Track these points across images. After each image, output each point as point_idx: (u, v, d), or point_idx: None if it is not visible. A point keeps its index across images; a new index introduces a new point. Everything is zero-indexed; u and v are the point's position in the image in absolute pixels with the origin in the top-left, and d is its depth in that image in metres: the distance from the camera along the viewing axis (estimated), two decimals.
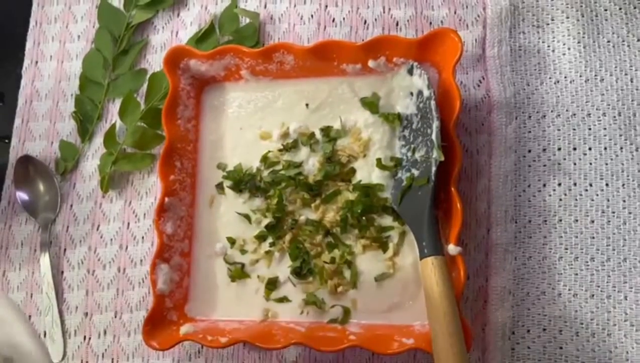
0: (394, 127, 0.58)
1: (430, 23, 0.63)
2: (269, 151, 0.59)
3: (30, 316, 0.63)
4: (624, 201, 0.56)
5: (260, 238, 0.58)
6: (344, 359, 0.57)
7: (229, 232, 0.59)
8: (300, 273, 0.56)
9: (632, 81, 0.58)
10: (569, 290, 0.55)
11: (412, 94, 0.56)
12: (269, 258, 0.58)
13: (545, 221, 0.56)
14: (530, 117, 0.59)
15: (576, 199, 0.56)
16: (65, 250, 0.65)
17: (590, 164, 0.57)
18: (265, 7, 0.67)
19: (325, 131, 0.59)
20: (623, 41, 0.59)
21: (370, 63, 0.57)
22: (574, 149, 0.57)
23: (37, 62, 0.71)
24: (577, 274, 0.55)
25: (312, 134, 0.59)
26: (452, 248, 0.51)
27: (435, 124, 0.52)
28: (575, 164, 0.57)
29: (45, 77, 0.70)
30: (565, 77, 0.59)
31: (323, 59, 0.57)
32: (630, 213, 0.55)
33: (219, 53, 0.59)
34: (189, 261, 0.59)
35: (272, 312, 0.56)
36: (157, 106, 0.64)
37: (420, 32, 0.63)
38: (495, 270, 0.56)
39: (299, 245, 0.57)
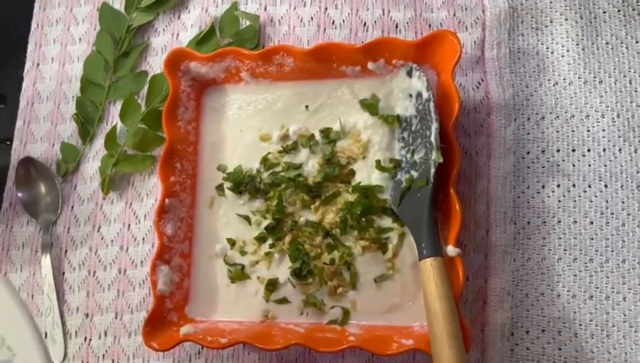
0: (394, 129, 0.58)
1: (430, 25, 0.63)
2: (269, 153, 0.60)
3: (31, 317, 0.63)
4: (623, 202, 0.56)
5: (260, 239, 0.58)
6: (343, 360, 0.57)
7: (229, 233, 0.59)
8: (300, 274, 0.56)
9: (630, 83, 0.58)
10: (568, 291, 0.55)
11: (411, 96, 0.57)
12: (269, 259, 0.58)
13: (544, 222, 0.57)
14: (529, 119, 0.59)
15: (575, 201, 0.57)
16: (66, 251, 0.65)
17: (589, 165, 0.57)
18: (265, 9, 0.67)
19: (325, 132, 0.59)
20: (621, 43, 0.59)
21: (370, 65, 0.57)
22: (573, 150, 0.58)
23: (38, 64, 0.71)
24: (576, 275, 0.55)
25: (312, 136, 0.59)
26: (451, 250, 0.51)
27: (435, 126, 0.52)
28: (574, 165, 0.57)
29: (47, 79, 0.70)
30: (564, 79, 0.59)
31: (323, 61, 0.58)
32: (629, 214, 0.56)
33: (219, 55, 0.59)
34: (189, 262, 0.59)
35: (272, 313, 0.56)
36: (157, 108, 0.65)
37: (420, 35, 0.63)
38: (495, 271, 0.56)
39: (298, 246, 0.57)
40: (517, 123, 0.59)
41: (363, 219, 0.56)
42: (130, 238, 0.64)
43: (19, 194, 0.66)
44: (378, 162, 0.57)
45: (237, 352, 0.59)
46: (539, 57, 0.61)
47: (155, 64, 0.68)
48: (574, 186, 0.57)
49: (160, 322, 0.56)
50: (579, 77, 0.59)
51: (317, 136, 0.59)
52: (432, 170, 0.52)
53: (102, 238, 0.64)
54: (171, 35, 0.69)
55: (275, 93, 0.61)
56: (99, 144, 0.67)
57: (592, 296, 0.54)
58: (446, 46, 0.54)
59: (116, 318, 0.62)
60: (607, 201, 0.56)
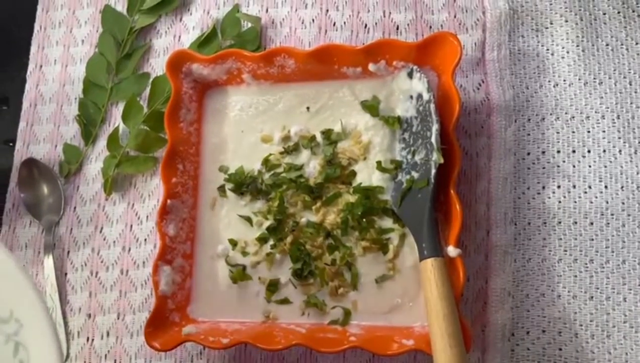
0: (394, 130, 0.58)
1: (430, 27, 0.64)
2: (270, 154, 0.60)
3: None
4: (623, 203, 0.56)
5: (262, 240, 0.58)
6: (344, 360, 0.58)
7: (230, 234, 0.59)
8: (301, 274, 0.57)
9: (630, 84, 0.58)
10: (569, 291, 0.55)
11: (412, 97, 0.57)
12: (270, 260, 0.58)
13: (545, 223, 0.57)
14: (529, 120, 0.59)
15: (575, 202, 0.57)
16: (68, 252, 0.65)
17: (589, 166, 0.57)
18: (266, 11, 0.67)
19: (326, 133, 0.59)
20: (622, 44, 0.60)
21: (371, 67, 0.58)
22: (573, 151, 0.58)
23: (41, 66, 0.71)
24: (576, 276, 0.55)
25: (313, 137, 0.59)
26: (451, 250, 0.51)
27: (435, 127, 0.52)
28: (574, 166, 0.57)
29: (50, 81, 0.70)
30: (564, 80, 0.60)
31: (324, 62, 0.58)
32: (629, 215, 0.56)
33: (221, 57, 0.60)
34: (191, 263, 0.59)
35: (273, 314, 0.57)
36: (159, 110, 0.65)
37: (421, 36, 0.63)
38: (495, 272, 0.56)
39: (300, 247, 0.57)
40: (518, 124, 0.59)
41: (364, 220, 0.56)
42: (132, 238, 0.64)
43: (22, 196, 0.67)
44: (379, 163, 0.57)
45: (239, 353, 0.59)
46: (539, 59, 0.61)
47: (157, 65, 0.68)
48: (574, 187, 0.57)
49: (162, 322, 0.56)
50: (579, 79, 0.59)
51: (318, 137, 0.59)
52: (433, 171, 0.52)
53: (104, 239, 0.65)
54: (173, 37, 0.69)
55: (276, 95, 0.61)
56: (102, 146, 0.67)
57: (592, 297, 0.55)
58: (447, 47, 0.55)
59: (118, 318, 0.62)
60: (607, 202, 0.56)
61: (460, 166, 0.53)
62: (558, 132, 0.58)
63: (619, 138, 0.57)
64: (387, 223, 0.56)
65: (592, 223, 0.56)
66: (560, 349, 0.54)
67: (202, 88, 0.62)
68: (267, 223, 0.58)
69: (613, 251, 0.55)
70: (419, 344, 0.51)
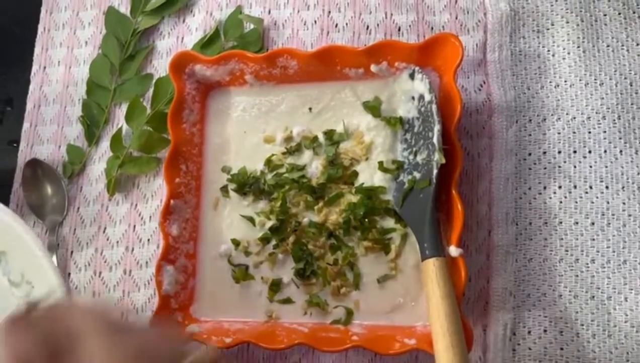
0: (396, 131, 0.58)
1: (432, 28, 0.64)
2: (273, 155, 0.60)
3: None
4: (624, 203, 0.56)
5: (264, 240, 0.59)
6: (346, 360, 0.58)
7: (233, 234, 0.60)
8: (303, 274, 0.57)
9: (631, 85, 0.59)
10: (570, 291, 0.55)
11: (413, 98, 0.57)
12: (273, 260, 0.58)
13: (546, 223, 0.57)
14: (530, 120, 0.60)
15: (576, 202, 0.57)
16: (72, 252, 0.65)
17: (590, 167, 0.57)
18: (269, 13, 0.68)
19: (328, 134, 0.59)
20: (622, 45, 0.60)
21: (373, 68, 0.58)
22: (574, 152, 0.58)
23: (45, 67, 0.72)
24: (577, 276, 0.55)
25: (315, 138, 0.60)
26: (453, 250, 0.51)
27: (437, 128, 0.52)
28: (575, 167, 0.58)
29: (53, 82, 0.71)
30: (565, 81, 0.60)
31: (326, 63, 0.58)
32: (630, 215, 0.56)
33: (223, 58, 0.60)
34: (194, 262, 0.60)
35: (276, 313, 0.57)
36: (162, 110, 0.65)
37: (422, 37, 0.64)
38: (496, 272, 0.56)
39: (302, 247, 0.57)
40: (519, 125, 0.59)
41: (366, 220, 0.57)
42: (135, 239, 0.64)
43: (26, 196, 0.67)
44: (381, 163, 0.57)
45: (242, 352, 0.59)
46: (540, 60, 0.61)
47: (160, 67, 0.69)
48: (575, 187, 0.57)
49: (166, 321, 0.56)
50: (580, 80, 0.59)
51: (321, 138, 0.60)
52: (435, 171, 0.52)
53: (107, 239, 0.65)
54: (176, 39, 0.69)
55: (279, 95, 0.61)
56: (105, 146, 0.67)
57: (593, 297, 0.55)
58: (448, 48, 0.55)
59: (122, 318, 0.62)
60: (608, 203, 0.56)
61: (462, 167, 0.53)
62: (559, 133, 0.59)
63: (620, 138, 0.58)
64: (389, 223, 0.57)
65: (593, 223, 0.56)
66: (562, 349, 0.54)
67: (205, 89, 0.63)
68: (269, 223, 0.59)
69: (614, 251, 0.55)
70: (420, 343, 0.51)
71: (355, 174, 0.58)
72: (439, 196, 0.54)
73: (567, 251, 0.56)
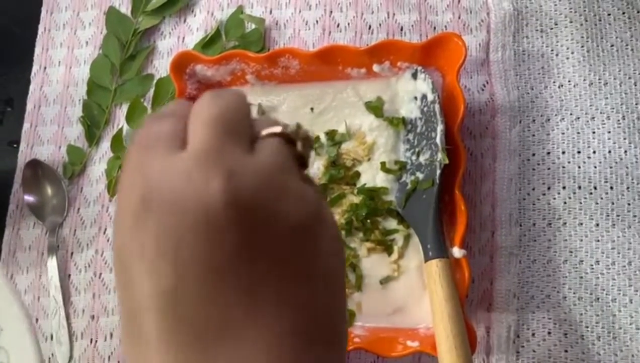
0: (399, 131, 0.58)
1: (435, 28, 0.64)
2: None
3: (37, 319, 0.63)
4: (629, 204, 0.56)
5: None
6: (348, 362, 0.57)
7: None
8: None
9: (635, 85, 0.58)
10: (574, 293, 0.55)
11: (416, 98, 0.57)
12: None
13: (550, 224, 0.57)
14: (534, 120, 0.59)
15: (580, 203, 0.56)
16: (72, 253, 0.65)
17: (595, 167, 0.57)
18: (270, 12, 0.67)
19: (330, 134, 0.59)
20: (626, 45, 0.59)
21: (375, 67, 0.58)
22: (578, 152, 0.58)
23: (45, 67, 0.71)
24: (581, 277, 0.55)
25: (317, 138, 0.59)
26: (456, 251, 0.51)
27: (440, 128, 0.52)
28: (579, 167, 0.57)
29: (54, 82, 0.71)
30: (569, 81, 0.59)
31: (328, 63, 0.58)
32: (635, 216, 0.55)
33: (224, 58, 0.60)
34: None
35: None
36: None
37: (425, 37, 0.63)
38: (500, 273, 0.56)
39: None
40: (522, 125, 0.59)
41: (368, 221, 0.56)
42: None
43: (26, 197, 0.67)
44: (383, 164, 0.57)
45: None
46: (543, 60, 0.61)
47: (161, 67, 0.68)
48: (579, 188, 0.57)
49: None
50: (584, 79, 0.59)
51: (322, 138, 0.59)
52: (438, 171, 0.52)
53: (108, 240, 0.65)
54: (177, 39, 0.69)
55: (280, 95, 0.61)
56: (105, 147, 0.67)
57: (598, 299, 0.54)
58: (451, 48, 0.55)
59: None
60: (613, 203, 0.56)
61: (465, 167, 0.53)
62: (563, 133, 0.58)
63: (625, 138, 0.57)
64: (392, 224, 0.56)
65: (597, 224, 0.56)
66: (566, 351, 0.54)
67: (205, 89, 0.62)
68: None
69: (619, 253, 0.55)
70: (423, 346, 0.50)
71: (358, 174, 0.58)
72: (442, 197, 0.53)
73: (571, 252, 0.56)
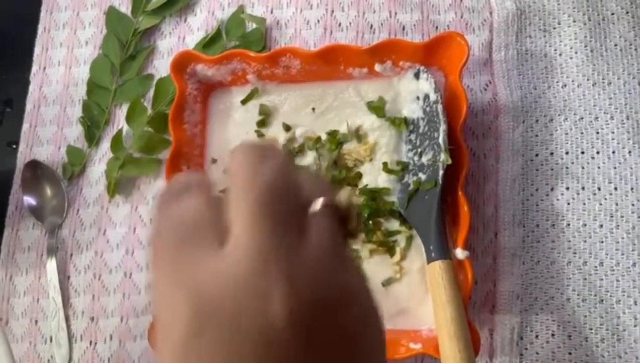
0: (401, 132, 0.58)
1: (437, 27, 0.63)
2: None
3: (36, 321, 0.63)
4: (633, 204, 0.55)
5: None
6: None
7: None
8: None
9: (639, 85, 0.58)
10: (578, 294, 0.54)
11: (418, 98, 0.56)
12: None
13: (554, 225, 0.56)
14: (537, 121, 0.59)
15: (584, 203, 0.56)
16: (71, 254, 0.65)
17: (598, 167, 0.57)
18: (271, 12, 0.67)
19: (332, 135, 0.58)
20: (630, 45, 0.59)
21: (377, 67, 0.57)
22: (582, 152, 0.57)
23: (45, 67, 0.71)
24: (585, 279, 0.55)
25: (319, 138, 0.59)
26: (459, 252, 0.51)
27: (442, 128, 0.52)
28: (583, 168, 0.57)
29: (53, 82, 0.70)
30: (572, 80, 0.59)
31: (329, 63, 0.58)
32: (639, 217, 0.55)
33: (225, 58, 0.59)
34: None
35: None
36: (163, 111, 0.65)
37: (427, 37, 0.63)
38: (503, 275, 0.56)
39: None
40: (525, 125, 0.59)
41: (370, 222, 0.56)
42: (136, 241, 0.64)
43: (25, 198, 0.66)
44: (385, 164, 0.57)
45: None
46: (547, 59, 0.60)
47: (161, 67, 0.68)
48: (583, 188, 0.56)
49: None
50: (588, 79, 0.59)
51: (324, 139, 0.59)
52: (441, 172, 0.51)
53: (107, 242, 0.64)
54: (177, 39, 0.69)
55: (281, 95, 0.61)
56: (105, 148, 0.67)
57: (602, 300, 0.54)
58: (454, 47, 0.54)
59: (122, 322, 0.62)
60: (616, 204, 0.56)
61: (468, 168, 0.52)
62: (566, 133, 0.58)
63: (629, 139, 0.57)
64: (394, 225, 0.56)
65: (601, 225, 0.55)
66: (570, 353, 0.53)
67: (206, 89, 0.62)
68: None
69: (623, 254, 0.55)
70: (426, 348, 0.50)
71: (359, 175, 0.58)
72: (445, 198, 0.53)
73: (575, 253, 0.55)
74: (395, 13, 0.64)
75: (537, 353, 0.54)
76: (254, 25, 0.66)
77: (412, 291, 0.54)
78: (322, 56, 0.57)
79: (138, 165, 0.65)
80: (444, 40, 0.55)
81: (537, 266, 0.56)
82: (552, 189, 0.57)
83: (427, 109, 0.55)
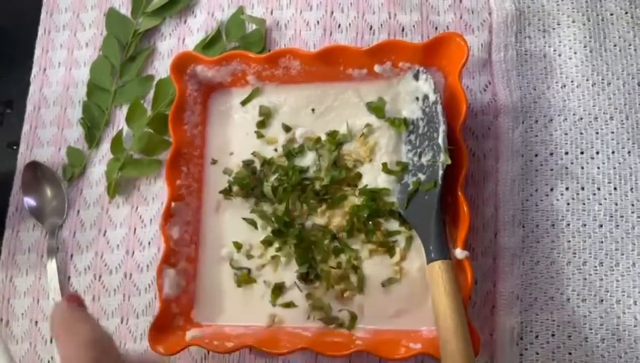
0: (400, 132, 0.58)
1: (436, 28, 0.63)
2: (275, 156, 0.60)
3: (37, 322, 0.63)
4: (633, 205, 0.55)
5: (267, 243, 0.58)
6: None
7: (235, 237, 0.59)
8: (306, 278, 0.56)
9: (639, 85, 0.58)
10: (578, 295, 0.54)
11: (418, 98, 0.56)
12: (275, 263, 0.57)
13: (553, 225, 0.56)
14: (537, 121, 0.59)
15: (584, 204, 0.56)
16: (72, 255, 0.65)
17: (598, 168, 0.57)
18: (271, 13, 0.67)
19: (332, 135, 0.59)
20: (629, 45, 0.59)
21: (376, 68, 0.57)
22: (582, 153, 0.57)
23: (45, 69, 0.71)
24: (585, 279, 0.55)
25: (318, 139, 0.59)
26: (459, 252, 0.50)
27: (442, 128, 0.52)
28: (582, 168, 0.57)
29: (54, 84, 0.70)
30: (572, 81, 0.59)
31: (329, 64, 0.58)
32: (638, 217, 0.55)
33: (225, 59, 0.59)
34: (195, 266, 0.59)
35: (279, 317, 0.56)
36: (163, 112, 0.65)
37: (426, 38, 0.63)
38: (503, 275, 0.56)
39: (305, 249, 0.56)
40: (525, 126, 0.59)
41: (370, 222, 0.56)
42: (136, 242, 0.64)
43: (26, 199, 0.66)
44: (385, 165, 0.57)
45: (244, 357, 0.58)
46: (546, 60, 0.60)
47: (161, 68, 0.68)
48: (582, 188, 0.57)
49: (166, 326, 0.56)
50: (587, 80, 0.59)
51: (324, 139, 0.59)
52: (440, 172, 0.51)
53: (107, 243, 0.64)
54: (177, 40, 0.69)
55: (281, 96, 0.61)
56: (105, 149, 0.67)
57: (602, 300, 0.54)
58: (453, 48, 0.54)
59: (122, 322, 0.62)
60: (616, 204, 0.56)
61: (468, 168, 0.52)
62: (566, 134, 0.58)
63: (628, 139, 0.57)
64: (394, 225, 0.56)
65: (601, 225, 0.55)
66: (570, 353, 0.53)
67: (206, 90, 0.62)
68: (272, 226, 0.58)
69: (623, 254, 0.55)
70: (426, 348, 0.50)
71: (359, 176, 0.58)
72: (444, 198, 0.53)
73: (574, 254, 0.55)
74: (395, 14, 0.64)
75: (537, 353, 0.54)
76: (254, 27, 0.66)
77: (412, 291, 0.54)
78: (321, 57, 0.57)
79: (138, 166, 0.65)
80: (444, 41, 0.55)
81: (536, 267, 0.56)
82: (551, 189, 0.57)
83: (427, 109, 0.55)
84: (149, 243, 0.63)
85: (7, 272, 0.65)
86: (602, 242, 0.55)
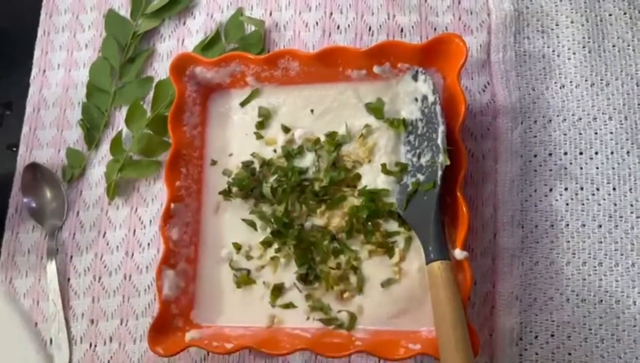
0: (399, 133, 0.58)
1: (435, 29, 0.63)
2: (275, 157, 0.60)
3: (36, 323, 0.63)
4: (632, 205, 0.55)
5: (266, 243, 0.58)
6: None
7: (234, 238, 0.59)
8: (306, 278, 0.56)
9: (637, 85, 0.58)
10: (577, 295, 0.54)
11: (417, 99, 0.56)
12: (275, 263, 0.57)
13: (552, 226, 0.56)
14: (536, 122, 0.59)
15: (583, 204, 0.56)
16: (71, 257, 0.65)
17: (597, 168, 0.57)
18: (270, 14, 0.67)
19: (331, 136, 0.59)
20: (628, 45, 0.59)
21: (375, 69, 0.57)
22: (580, 153, 0.57)
23: (44, 70, 0.71)
24: (585, 279, 0.55)
25: (318, 140, 0.59)
26: (458, 253, 0.50)
27: (441, 129, 0.52)
28: (581, 168, 0.57)
29: (53, 85, 0.70)
30: (570, 81, 0.59)
31: (328, 65, 0.58)
32: (638, 217, 0.55)
33: (224, 60, 0.59)
34: (194, 267, 0.59)
35: (278, 318, 0.56)
36: (163, 113, 0.65)
37: (425, 39, 0.63)
38: (503, 275, 0.56)
39: (304, 250, 0.56)
40: (524, 126, 0.59)
41: (369, 223, 0.56)
42: (135, 243, 0.64)
43: (25, 200, 0.66)
44: (384, 166, 0.57)
45: (243, 358, 0.59)
46: (545, 60, 0.60)
47: (160, 69, 0.68)
48: (581, 189, 0.57)
49: (166, 327, 0.56)
50: (586, 80, 0.59)
51: (323, 140, 0.59)
52: (439, 173, 0.51)
53: (107, 244, 0.64)
54: (177, 41, 0.69)
55: (280, 97, 0.61)
56: (105, 150, 0.67)
57: (601, 301, 0.54)
58: (452, 49, 0.54)
59: (121, 324, 0.62)
60: (615, 204, 0.56)
61: (467, 168, 0.52)
62: (565, 134, 0.58)
63: (627, 139, 0.57)
64: (393, 226, 0.56)
65: (600, 226, 0.55)
66: (570, 353, 0.53)
67: (205, 91, 0.62)
68: (271, 227, 0.58)
69: (622, 254, 0.55)
70: (426, 348, 0.50)
71: (358, 176, 0.58)
72: (444, 199, 0.53)
73: (574, 254, 0.55)
74: (394, 15, 0.64)
75: (537, 353, 0.54)
76: (253, 28, 0.66)
77: (411, 292, 0.54)
78: (320, 58, 0.57)
79: (137, 167, 0.65)
80: (442, 42, 0.55)
81: (536, 267, 0.56)
82: (550, 189, 0.57)
83: (426, 110, 0.55)
84: (149, 244, 0.63)
85: (7, 274, 0.65)
86: (601, 242, 0.55)
